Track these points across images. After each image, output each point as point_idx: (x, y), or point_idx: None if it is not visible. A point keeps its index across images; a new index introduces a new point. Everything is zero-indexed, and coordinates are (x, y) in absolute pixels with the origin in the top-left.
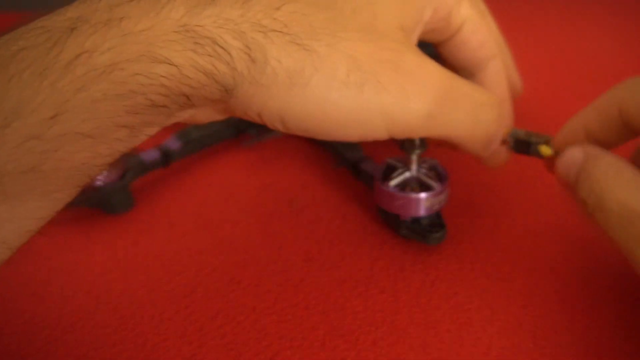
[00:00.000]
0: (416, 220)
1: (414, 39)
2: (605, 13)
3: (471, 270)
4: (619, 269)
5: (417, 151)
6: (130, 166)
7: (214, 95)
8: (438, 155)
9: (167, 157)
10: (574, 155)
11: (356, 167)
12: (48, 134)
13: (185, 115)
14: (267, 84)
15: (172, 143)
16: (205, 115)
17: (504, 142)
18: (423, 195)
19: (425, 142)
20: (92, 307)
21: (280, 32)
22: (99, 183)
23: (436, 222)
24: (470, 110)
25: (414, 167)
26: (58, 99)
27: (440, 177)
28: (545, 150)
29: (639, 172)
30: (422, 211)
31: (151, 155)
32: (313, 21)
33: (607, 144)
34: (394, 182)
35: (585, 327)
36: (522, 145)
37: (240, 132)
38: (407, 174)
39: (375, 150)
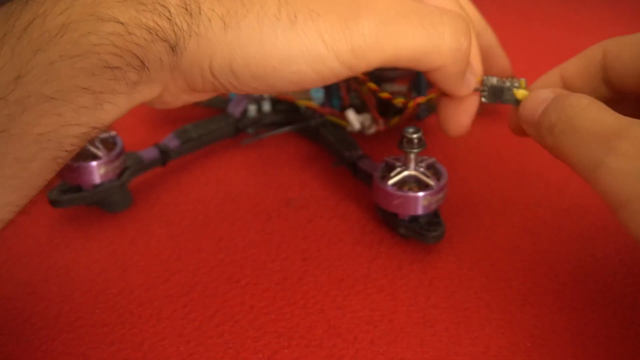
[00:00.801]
0: (414, 218)
1: None
2: (605, 13)
3: (469, 269)
4: (617, 268)
5: (416, 150)
6: (128, 164)
7: (162, 55)
8: (436, 154)
9: (165, 156)
10: (543, 94)
11: (354, 165)
12: (12, 95)
13: (151, 93)
14: (205, 33)
15: (171, 141)
16: (171, 94)
17: (477, 90)
18: (421, 193)
19: (423, 141)
20: (90, 305)
21: None
22: (97, 181)
23: (434, 220)
24: (418, 21)
25: (412, 165)
26: (18, 62)
27: (439, 176)
28: (523, 93)
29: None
30: (420, 210)
31: (149, 153)
32: None
33: None
34: (392, 181)
35: (583, 327)
36: (496, 92)
37: (239, 131)
38: (405, 173)
39: (374, 149)
